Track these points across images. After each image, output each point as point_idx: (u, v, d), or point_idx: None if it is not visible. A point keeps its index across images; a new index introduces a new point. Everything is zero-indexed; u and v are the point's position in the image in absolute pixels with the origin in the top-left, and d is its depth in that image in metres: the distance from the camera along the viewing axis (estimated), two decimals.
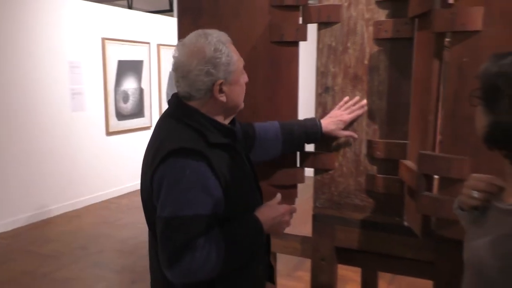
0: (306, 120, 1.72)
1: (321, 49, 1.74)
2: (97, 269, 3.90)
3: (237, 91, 1.36)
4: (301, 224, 2.09)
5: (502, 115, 0.88)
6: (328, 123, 1.69)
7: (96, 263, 4.02)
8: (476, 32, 1.29)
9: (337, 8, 1.68)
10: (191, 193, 1.21)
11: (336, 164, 1.77)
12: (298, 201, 1.86)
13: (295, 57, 1.76)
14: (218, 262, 1.23)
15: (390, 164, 1.68)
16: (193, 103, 1.33)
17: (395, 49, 1.62)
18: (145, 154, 1.36)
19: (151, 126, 6.63)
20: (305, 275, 3.65)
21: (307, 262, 3.80)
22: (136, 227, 4.91)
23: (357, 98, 1.69)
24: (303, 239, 1.96)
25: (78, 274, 3.80)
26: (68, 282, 3.66)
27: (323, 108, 1.76)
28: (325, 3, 1.71)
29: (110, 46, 5.88)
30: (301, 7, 1.73)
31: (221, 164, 1.28)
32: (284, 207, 1.43)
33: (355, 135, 1.71)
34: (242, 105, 1.42)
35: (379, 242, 1.73)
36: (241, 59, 1.38)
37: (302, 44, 1.75)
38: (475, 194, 1.02)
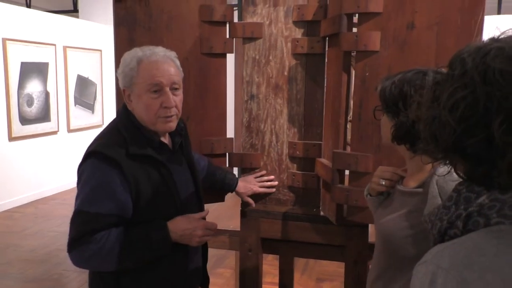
0: (229, 173, 1.92)
1: (246, 61, 1.95)
2: (6, 280, 3.71)
3: (139, 106, 1.42)
4: (227, 219, 2.27)
5: (401, 118, 1.15)
6: (241, 186, 1.92)
7: (4, 275, 3.82)
8: (375, 52, 1.58)
9: (259, 25, 1.90)
10: (96, 194, 1.36)
11: (261, 163, 1.98)
12: (226, 198, 2.05)
13: (223, 67, 1.95)
14: (112, 257, 1.36)
15: (307, 162, 1.93)
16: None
17: (310, 62, 1.88)
18: None
19: (58, 131, 6.37)
20: (226, 271, 3.84)
21: (227, 259, 4.00)
22: (46, 235, 4.72)
23: (272, 177, 1.96)
24: (231, 233, 2.14)
25: None
26: None
27: (249, 113, 1.97)
28: (249, 20, 1.92)
29: (12, 47, 5.56)
30: (228, 23, 1.92)
31: (137, 174, 1.38)
32: (199, 222, 1.51)
33: (253, 204, 1.96)
34: (152, 126, 1.44)
35: (299, 231, 1.98)
36: (155, 80, 1.39)
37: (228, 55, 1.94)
38: (382, 182, 1.29)
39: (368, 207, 1.64)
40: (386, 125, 1.22)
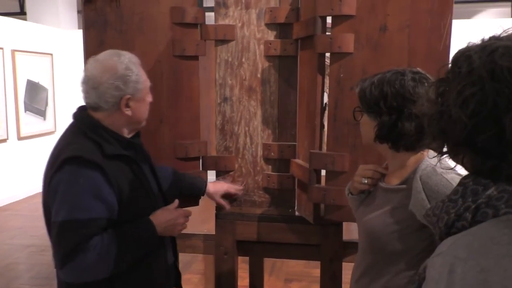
0: (197, 177, 1.92)
1: (219, 63, 1.94)
2: None
3: (142, 108, 1.51)
4: (200, 223, 2.25)
5: (384, 117, 1.18)
6: (211, 186, 1.91)
7: None
8: (349, 53, 1.62)
9: (231, 27, 1.90)
10: (84, 199, 1.33)
11: (236, 165, 1.98)
12: (200, 201, 2.03)
13: (196, 69, 1.93)
14: (110, 261, 1.34)
15: (282, 163, 1.95)
16: (98, 115, 1.45)
17: (283, 64, 1.90)
18: (47, 162, 1.44)
19: (7, 139, 6.06)
20: (193, 277, 3.79)
21: (193, 264, 3.94)
22: (1, 248, 4.47)
23: (242, 187, 1.96)
24: (205, 236, 2.12)
25: None
26: None
27: (222, 116, 1.96)
28: (221, 22, 1.91)
29: None
30: (199, 25, 1.90)
31: (116, 174, 1.40)
32: (179, 210, 1.58)
33: (228, 207, 1.95)
34: (144, 122, 1.56)
35: (274, 232, 1.99)
36: (148, 80, 1.53)
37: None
38: (365, 180, 1.32)
39: (345, 205, 1.68)
40: (368, 125, 1.25)
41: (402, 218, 1.18)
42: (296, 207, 1.97)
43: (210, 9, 2.40)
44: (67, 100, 6.97)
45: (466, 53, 0.65)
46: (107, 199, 1.35)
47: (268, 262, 3.93)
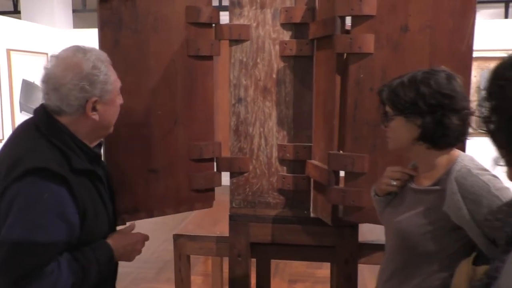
0: None
1: (233, 63, 1.92)
2: None
3: (111, 112, 1.35)
4: (212, 225, 2.22)
5: (426, 118, 1.17)
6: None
7: None
8: (369, 54, 1.61)
9: (246, 27, 1.88)
10: (46, 218, 1.16)
11: (250, 167, 1.96)
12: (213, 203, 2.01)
13: (210, 69, 1.91)
14: None
15: (297, 164, 1.93)
16: (62, 119, 1.28)
17: (298, 65, 1.88)
18: None
19: (2, 139, 5.96)
20: (196, 278, 3.79)
21: (196, 266, 3.92)
22: None
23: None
24: (218, 239, 2.10)
25: None
26: None
27: (237, 116, 1.94)
28: (236, 22, 1.89)
29: None
30: (214, 25, 1.88)
31: (81, 191, 1.24)
32: (138, 236, 1.47)
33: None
34: (112, 128, 1.40)
35: (289, 234, 1.97)
36: (118, 80, 1.37)
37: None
38: (393, 182, 1.31)
39: (365, 207, 1.67)
40: (403, 128, 1.22)
41: (436, 219, 1.17)
42: (311, 209, 1.95)
43: (223, 8, 2.37)
44: None
45: None
46: (70, 220, 1.20)
47: (271, 263, 3.92)
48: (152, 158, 1.82)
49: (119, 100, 1.38)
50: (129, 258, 1.45)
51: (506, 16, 6.26)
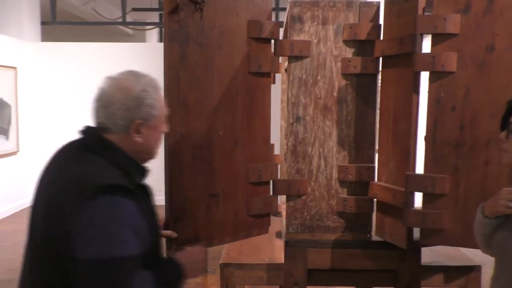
0: None
1: (292, 81, 1.83)
2: None
3: (154, 137, 1.34)
4: (254, 253, 2.09)
5: None
6: None
7: None
8: (451, 72, 1.58)
9: (307, 43, 1.80)
10: (125, 233, 1.16)
11: (309, 189, 1.86)
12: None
13: (269, 87, 1.81)
14: None
15: (358, 186, 1.86)
16: (109, 137, 1.27)
17: (362, 83, 1.82)
18: (46, 189, 1.23)
19: None
20: None
21: None
22: None
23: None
24: (269, 266, 1.97)
25: None
26: None
27: (295, 136, 1.84)
28: (295, 38, 1.81)
29: None
30: (273, 41, 1.79)
31: (143, 205, 1.26)
32: (201, 249, 1.48)
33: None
34: (154, 155, 1.38)
35: (349, 258, 1.88)
36: (166, 108, 1.37)
37: None
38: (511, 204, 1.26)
39: (445, 229, 1.61)
40: None
41: None
42: (375, 231, 1.88)
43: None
44: (31, 118, 6.49)
45: None
46: (142, 234, 1.21)
47: None
48: (213, 182, 1.68)
49: (164, 128, 1.37)
50: (196, 273, 1.43)
51: None
